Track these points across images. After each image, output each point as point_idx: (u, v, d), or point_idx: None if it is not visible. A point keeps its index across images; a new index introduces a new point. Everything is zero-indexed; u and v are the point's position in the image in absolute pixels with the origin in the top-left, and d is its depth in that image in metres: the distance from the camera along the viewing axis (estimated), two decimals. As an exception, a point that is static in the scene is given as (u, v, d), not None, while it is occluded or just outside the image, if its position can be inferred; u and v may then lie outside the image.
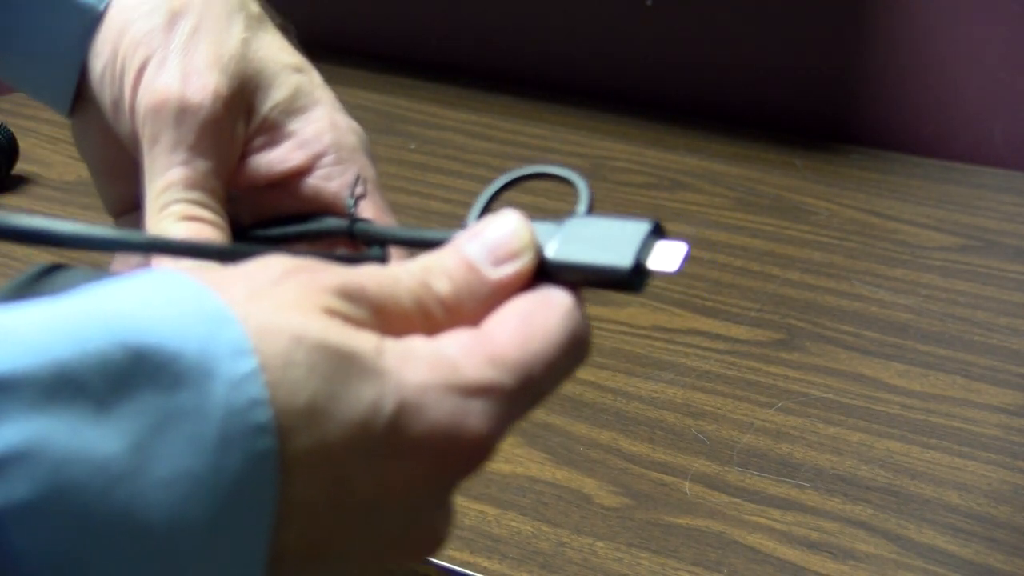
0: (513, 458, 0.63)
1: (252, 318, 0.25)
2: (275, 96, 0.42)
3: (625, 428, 0.66)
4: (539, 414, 0.67)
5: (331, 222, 0.42)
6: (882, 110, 1.11)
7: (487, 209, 0.35)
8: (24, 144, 0.97)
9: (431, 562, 0.56)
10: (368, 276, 0.28)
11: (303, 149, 0.42)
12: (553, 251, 0.31)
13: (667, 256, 0.30)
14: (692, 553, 0.57)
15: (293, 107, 0.42)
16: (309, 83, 0.43)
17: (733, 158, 1.05)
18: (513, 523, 0.58)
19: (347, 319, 0.27)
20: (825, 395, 0.70)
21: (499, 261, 0.30)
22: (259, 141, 0.42)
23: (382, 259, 0.40)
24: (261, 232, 0.42)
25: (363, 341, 0.27)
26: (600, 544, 0.57)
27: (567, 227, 0.31)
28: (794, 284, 0.83)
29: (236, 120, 0.41)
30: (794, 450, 0.65)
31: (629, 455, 0.64)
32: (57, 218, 0.29)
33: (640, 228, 0.31)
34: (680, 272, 0.30)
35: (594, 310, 0.80)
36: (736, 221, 0.93)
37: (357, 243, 0.41)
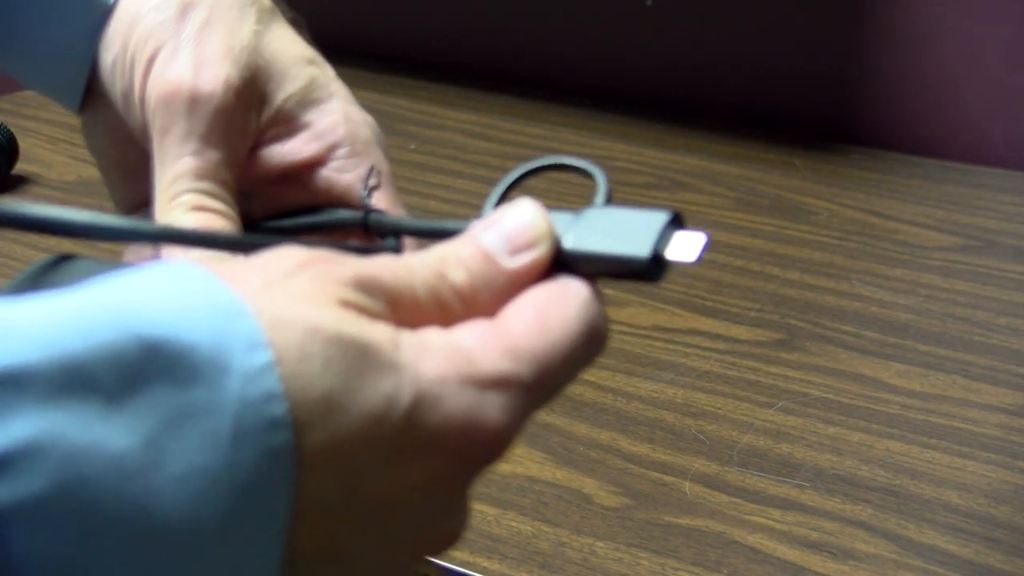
0: (513, 458, 0.63)
1: (266, 311, 0.25)
2: (289, 87, 0.42)
3: (625, 428, 0.66)
4: (539, 414, 0.67)
5: (344, 214, 0.41)
6: (882, 110, 1.11)
7: (503, 200, 0.35)
8: (24, 144, 0.97)
9: (431, 562, 0.56)
10: (383, 267, 0.28)
11: (317, 141, 0.42)
12: (570, 241, 0.30)
13: (686, 246, 0.30)
14: (692, 553, 0.57)
15: (308, 99, 0.42)
16: (323, 76, 0.43)
17: (733, 158, 1.05)
18: (513, 523, 0.58)
19: (362, 311, 0.26)
20: (825, 395, 0.70)
21: (516, 250, 0.29)
22: (273, 132, 0.42)
23: (396, 250, 0.40)
24: (273, 224, 0.42)
25: (379, 333, 0.26)
26: (600, 544, 0.57)
27: (584, 217, 0.31)
28: (794, 284, 0.83)
29: (248, 111, 0.41)
30: (794, 450, 0.65)
31: (629, 455, 0.64)
32: (71, 207, 0.29)
33: (658, 218, 0.30)
34: (693, 265, 0.29)
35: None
36: (736, 221, 0.93)
37: (371, 234, 0.41)
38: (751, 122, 1.12)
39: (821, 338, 0.76)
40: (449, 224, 0.35)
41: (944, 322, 0.78)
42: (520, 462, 0.63)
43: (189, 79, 0.39)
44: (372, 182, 0.41)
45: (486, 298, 0.29)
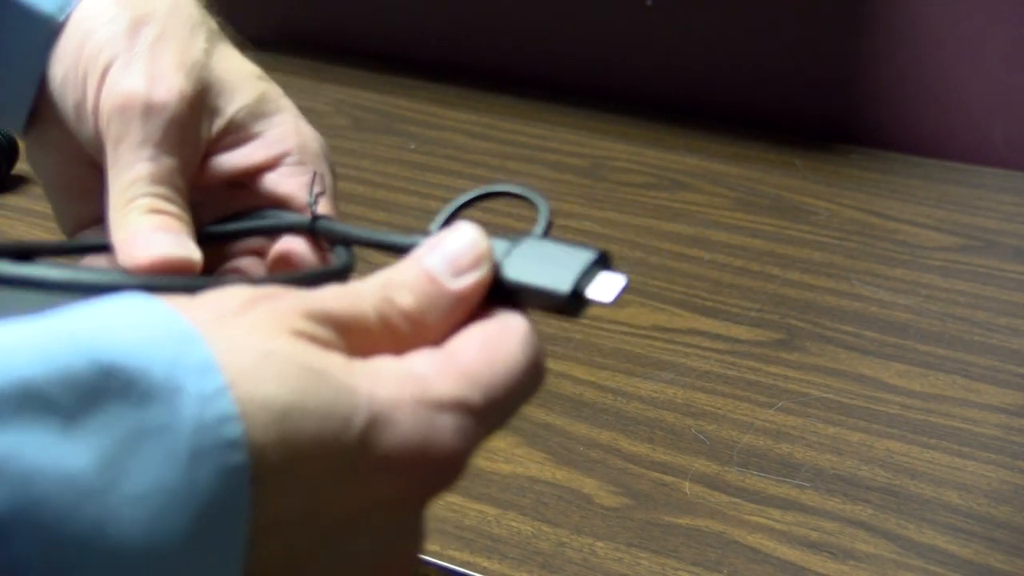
0: (513, 458, 0.63)
1: (219, 339, 0.25)
2: (240, 101, 0.43)
3: (625, 428, 0.66)
4: (539, 414, 0.67)
5: (291, 217, 0.42)
6: (882, 110, 1.11)
7: (447, 225, 0.36)
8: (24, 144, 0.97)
9: (431, 562, 0.56)
10: (331, 297, 0.28)
11: (267, 148, 0.43)
12: (502, 269, 0.31)
13: (606, 287, 0.31)
14: (692, 553, 0.57)
15: (258, 111, 0.43)
16: (273, 91, 0.44)
17: (733, 158, 1.05)
18: (513, 523, 0.58)
19: (314, 340, 0.27)
20: (825, 395, 0.70)
21: (458, 272, 0.30)
22: (224, 142, 0.43)
23: (349, 265, 0.40)
24: (218, 228, 0.42)
25: (332, 359, 0.27)
26: (600, 544, 0.57)
27: (519, 247, 0.32)
28: (794, 284, 0.83)
29: (200, 121, 0.42)
30: (794, 450, 0.65)
31: (629, 455, 0.64)
32: (45, 265, 0.30)
33: (585, 256, 0.32)
34: (609, 306, 0.31)
35: (594, 310, 0.80)
36: (736, 221, 0.93)
37: (317, 240, 0.42)
38: (751, 122, 1.12)
39: (821, 338, 0.76)
40: (397, 238, 0.36)
41: (944, 322, 0.78)
42: (520, 462, 0.63)
43: (143, 90, 0.40)
44: (317, 189, 0.41)
45: (433, 320, 0.30)
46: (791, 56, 1.13)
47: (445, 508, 0.59)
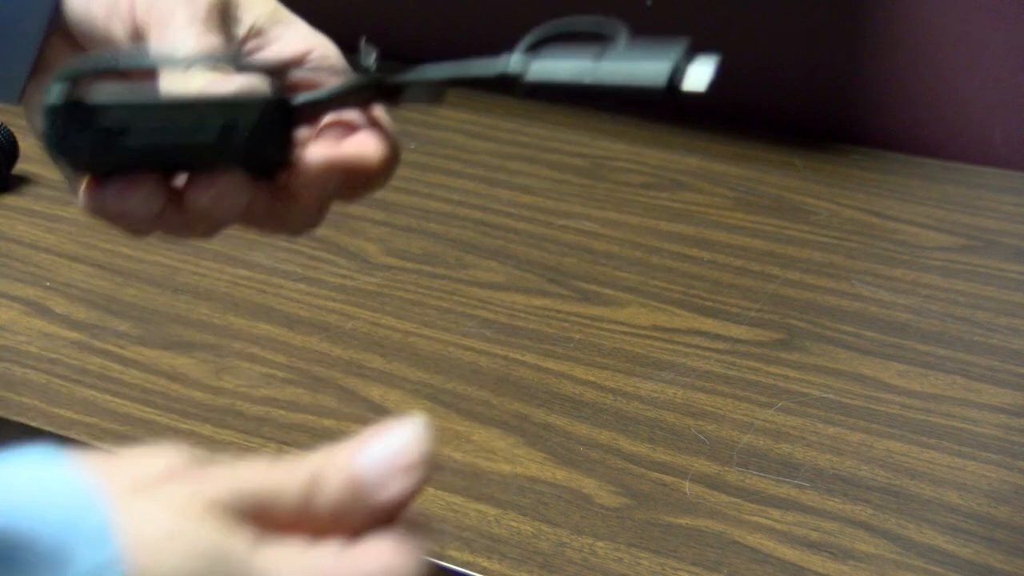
0: (513, 458, 0.63)
1: (128, 511, 0.25)
2: (257, 11, 0.45)
3: (625, 428, 0.66)
4: (539, 414, 0.67)
5: (355, 82, 0.42)
6: (882, 110, 1.11)
7: (533, 48, 0.41)
8: (24, 144, 0.97)
9: (431, 562, 0.56)
10: (258, 478, 0.28)
11: (292, 46, 0.45)
12: (595, 73, 0.35)
13: (698, 74, 0.35)
14: (692, 553, 0.57)
15: (275, 19, 0.45)
16: (284, 8, 0.46)
17: (733, 158, 1.05)
18: (513, 523, 0.58)
19: (226, 516, 0.27)
20: (825, 395, 0.70)
21: (388, 478, 0.29)
22: (248, 47, 0.45)
23: (434, 92, 0.41)
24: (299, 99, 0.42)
25: (237, 541, 0.27)
26: (600, 544, 0.57)
27: (609, 51, 0.36)
28: (794, 284, 0.83)
29: (229, 20, 0.44)
30: (794, 450, 0.65)
31: (629, 455, 0.64)
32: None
33: (674, 50, 0.36)
34: (705, 91, 0.34)
35: (594, 310, 0.81)
36: (736, 221, 0.93)
37: (387, 97, 0.42)
38: (751, 122, 1.12)
39: (821, 338, 0.76)
40: (481, 67, 0.39)
41: (944, 322, 0.78)
42: (520, 462, 0.63)
43: None
44: (372, 53, 0.42)
45: (354, 519, 0.29)
46: (791, 56, 1.13)
47: (445, 508, 0.59)
